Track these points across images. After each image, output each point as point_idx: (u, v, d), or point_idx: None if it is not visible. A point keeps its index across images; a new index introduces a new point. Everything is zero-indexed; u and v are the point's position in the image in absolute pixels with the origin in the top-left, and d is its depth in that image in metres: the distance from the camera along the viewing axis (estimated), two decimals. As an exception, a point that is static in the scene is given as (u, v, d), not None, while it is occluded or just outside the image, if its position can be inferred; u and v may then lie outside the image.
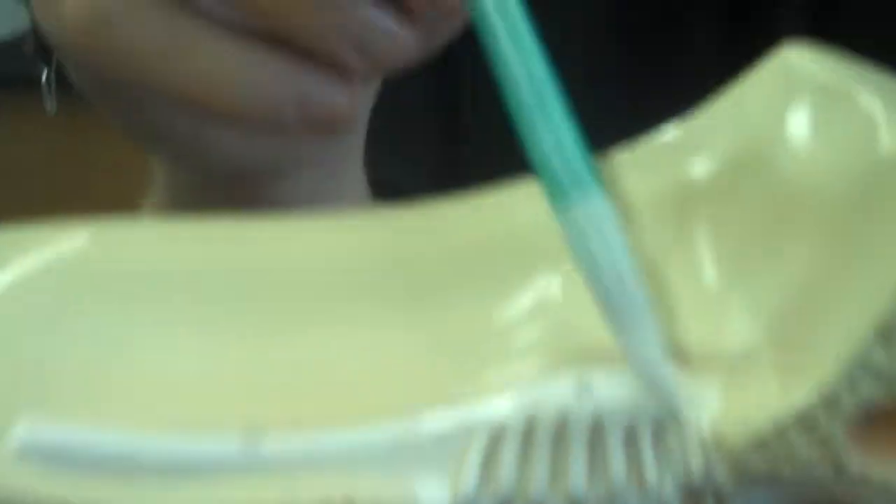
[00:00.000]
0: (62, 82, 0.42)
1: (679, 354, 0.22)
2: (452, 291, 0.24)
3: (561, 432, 0.21)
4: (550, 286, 0.24)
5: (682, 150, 0.26)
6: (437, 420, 0.22)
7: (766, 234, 0.24)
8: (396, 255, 0.25)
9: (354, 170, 0.38)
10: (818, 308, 0.22)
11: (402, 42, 0.27)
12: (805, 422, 0.21)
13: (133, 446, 0.21)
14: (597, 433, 0.22)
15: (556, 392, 0.22)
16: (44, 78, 0.48)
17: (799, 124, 0.24)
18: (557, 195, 0.22)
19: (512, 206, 0.26)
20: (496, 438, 0.21)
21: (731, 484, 0.21)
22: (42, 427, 0.21)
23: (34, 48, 0.45)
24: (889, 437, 0.22)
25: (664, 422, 0.21)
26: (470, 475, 0.21)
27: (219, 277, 0.24)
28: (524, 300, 0.24)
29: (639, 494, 0.22)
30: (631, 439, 0.22)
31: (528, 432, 0.21)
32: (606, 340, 0.22)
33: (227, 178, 0.33)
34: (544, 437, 0.21)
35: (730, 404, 0.22)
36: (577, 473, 0.21)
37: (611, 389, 0.22)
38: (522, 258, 0.25)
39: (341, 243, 0.25)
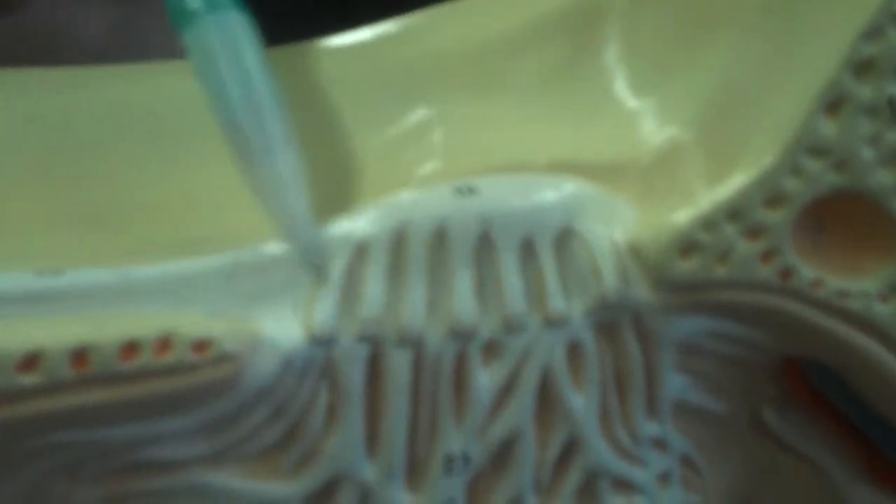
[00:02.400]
0: None
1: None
2: (320, 123, 0.20)
3: (439, 246, 0.17)
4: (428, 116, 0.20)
5: None
6: (272, 246, 0.17)
7: (680, 39, 0.20)
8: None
9: None
10: (748, 101, 0.18)
11: None
12: (740, 210, 0.17)
13: None
14: (485, 248, 0.17)
15: (431, 200, 0.17)
16: None
17: None
18: (180, 12, 0.18)
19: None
20: (357, 258, 0.17)
21: (654, 304, 0.18)
22: None
23: None
24: (847, 253, 0.18)
25: (569, 234, 0.18)
26: (326, 305, 0.17)
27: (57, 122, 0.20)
28: (398, 130, 0.20)
29: (541, 323, 0.18)
30: (528, 256, 0.18)
31: (398, 247, 0.17)
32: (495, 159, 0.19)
33: None
34: (418, 251, 0.17)
35: (650, 212, 0.18)
36: (463, 297, 0.17)
37: (500, 194, 0.17)
38: (402, 89, 0.21)
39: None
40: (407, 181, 0.18)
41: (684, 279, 0.17)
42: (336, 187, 0.18)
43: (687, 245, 0.17)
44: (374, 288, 0.17)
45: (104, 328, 0.16)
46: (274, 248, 0.17)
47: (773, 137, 0.17)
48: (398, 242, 0.17)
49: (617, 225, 0.18)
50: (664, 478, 0.19)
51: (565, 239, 0.17)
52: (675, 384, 0.18)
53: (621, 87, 0.20)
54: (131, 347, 0.16)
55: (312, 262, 0.17)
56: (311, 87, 0.20)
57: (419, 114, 0.19)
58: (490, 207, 0.17)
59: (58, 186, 0.18)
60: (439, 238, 0.17)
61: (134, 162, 0.18)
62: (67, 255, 0.17)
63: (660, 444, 0.19)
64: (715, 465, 0.20)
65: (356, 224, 0.17)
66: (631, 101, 0.19)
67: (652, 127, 0.19)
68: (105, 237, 0.17)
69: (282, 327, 0.17)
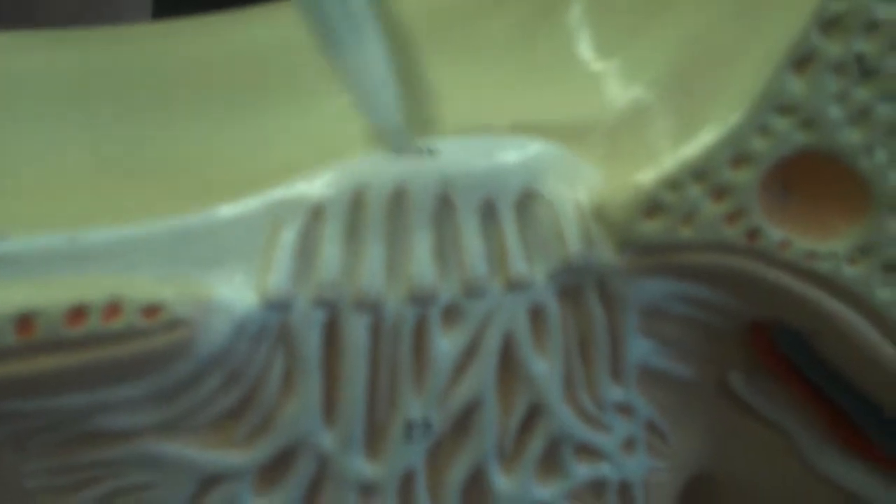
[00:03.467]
0: None
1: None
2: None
3: (398, 207, 0.17)
4: None
5: None
6: (235, 206, 0.16)
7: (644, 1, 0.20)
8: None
9: None
10: (714, 61, 0.18)
11: None
12: (705, 170, 0.17)
13: None
14: (445, 210, 0.17)
15: (389, 161, 0.17)
16: None
17: None
18: None
19: None
20: (313, 221, 0.16)
21: (619, 266, 0.17)
22: None
23: None
24: (815, 213, 0.18)
25: (532, 195, 0.17)
26: (281, 267, 0.16)
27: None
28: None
29: (503, 287, 0.18)
30: (489, 218, 0.17)
31: (355, 209, 0.16)
32: None
33: None
34: (376, 213, 0.16)
35: (615, 173, 0.18)
36: (423, 260, 0.17)
37: (461, 154, 0.17)
38: None
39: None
40: (367, 144, 0.17)
41: (649, 240, 0.17)
42: (297, 151, 0.18)
43: (651, 206, 0.17)
44: (330, 251, 0.16)
45: (50, 292, 0.15)
46: (225, 210, 0.16)
47: (740, 96, 0.17)
48: (355, 204, 0.16)
49: (581, 186, 0.17)
50: (629, 444, 0.19)
51: (528, 201, 0.17)
52: (640, 348, 0.18)
53: (585, 49, 0.19)
54: (78, 312, 0.15)
55: (399, 147, 0.17)
56: (269, 51, 0.19)
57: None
58: (450, 168, 0.17)
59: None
60: (398, 199, 0.17)
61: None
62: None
63: (624, 409, 0.18)
64: (680, 432, 0.19)
65: (312, 186, 0.16)
66: (595, 63, 0.19)
67: (617, 88, 0.19)
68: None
69: (235, 291, 0.16)
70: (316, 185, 0.16)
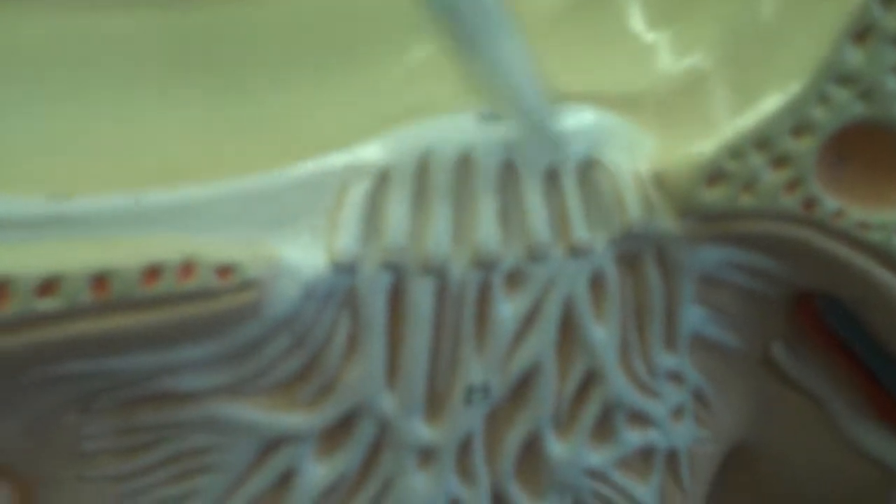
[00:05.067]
0: None
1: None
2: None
3: (463, 173, 0.17)
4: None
5: None
6: (301, 169, 0.16)
7: None
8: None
9: None
10: (771, 30, 0.18)
11: None
12: (767, 139, 0.17)
13: None
14: (509, 176, 0.17)
15: (454, 126, 0.17)
16: None
17: None
18: None
19: None
20: (380, 185, 0.17)
21: (678, 234, 0.18)
22: None
23: None
24: (868, 184, 0.18)
25: (593, 163, 0.17)
26: (349, 230, 0.16)
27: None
28: (412, 62, 0.20)
29: (565, 253, 0.18)
30: (552, 185, 0.18)
31: (422, 174, 0.17)
32: None
33: None
34: (442, 178, 0.17)
35: (670, 142, 0.18)
36: (488, 225, 0.17)
37: (522, 121, 0.17)
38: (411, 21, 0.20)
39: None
40: (429, 111, 0.17)
41: (710, 208, 0.17)
42: (359, 119, 0.18)
43: (714, 174, 0.17)
44: (396, 215, 0.16)
45: (125, 252, 0.15)
46: (293, 172, 0.16)
47: (798, 66, 0.17)
48: (422, 169, 0.17)
49: (640, 155, 0.17)
50: (678, 412, 0.19)
51: (589, 168, 0.17)
52: (693, 317, 0.18)
53: (637, 22, 0.19)
54: (153, 272, 0.15)
55: (548, 140, 0.17)
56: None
57: (430, 47, 0.19)
58: (514, 135, 0.17)
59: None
60: (464, 165, 0.17)
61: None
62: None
63: (675, 377, 0.19)
64: (723, 401, 0.20)
65: (379, 149, 0.17)
66: (647, 34, 0.19)
67: (670, 58, 0.19)
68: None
69: (303, 254, 0.16)
70: (383, 149, 0.17)
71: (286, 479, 0.17)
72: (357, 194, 0.17)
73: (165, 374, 0.16)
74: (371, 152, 0.17)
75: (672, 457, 0.19)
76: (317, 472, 0.17)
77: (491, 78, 0.16)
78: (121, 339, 0.16)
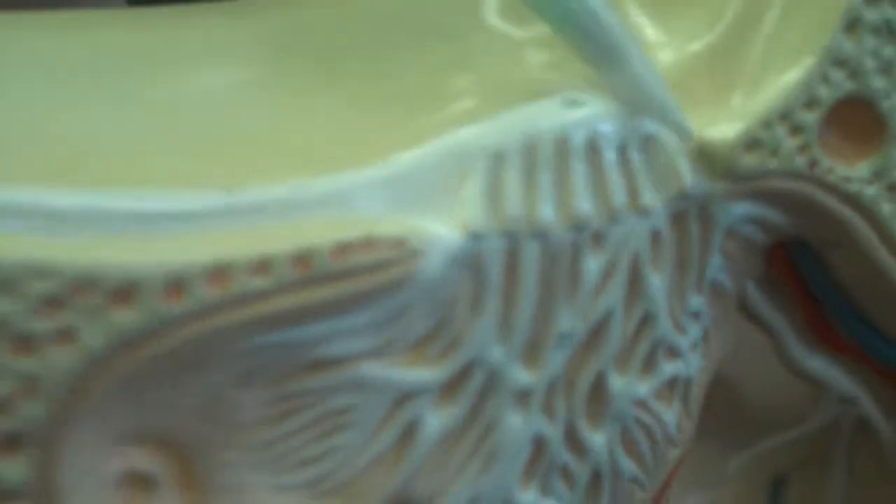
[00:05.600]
0: None
1: None
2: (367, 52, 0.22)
3: (559, 151, 0.20)
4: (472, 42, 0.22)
5: None
6: (431, 153, 0.19)
7: None
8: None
9: None
10: (768, 21, 0.22)
11: None
12: (787, 112, 0.21)
13: (107, 201, 0.17)
14: (593, 153, 0.20)
15: (547, 111, 0.20)
16: None
17: None
18: None
19: None
20: (495, 163, 0.19)
21: (718, 193, 0.21)
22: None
23: None
24: (845, 146, 0.22)
25: (651, 138, 0.21)
26: (475, 204, 0.19)
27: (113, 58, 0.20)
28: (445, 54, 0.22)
29: (635, 215, 0.21)
30: (623, 158, 0.21)
31: (527, 153, 0.19)
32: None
33: None
34: (545, 156, 0.19)
35: (699, 118, 0.21)
36: (581, 195, 0.20)
37: (598, 106, 0.20)
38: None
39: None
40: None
41: (745, 171, 0.21)
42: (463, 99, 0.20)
43: (750, 142, 0.21)
44: (511, 189, 0.19)
45: (318, 232, 0.17)
46: (421, 157, 0.19)
47: (800, 52, 0.21)
48: (527, 148, 0.19)
49: (684, 122, 0.21)
50: (695, 346, 0.23)
51: (649, 141, 0.20)
52: (714, 264, 0.22)
53: (637, 13, 0.23)
54: (342, 249, 0.17)
55: (681, 135, 0.20)
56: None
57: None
58: (597, 118, 0.20)
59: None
60: (561, 144, 0.19)
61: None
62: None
63: (696, 315, 0.22)
64: (718, 336, 0.24)
65: (491, 133, 0.19)
66: (648, 28, 0.23)
67: (671, 47, 0.22)
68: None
69: (443, 226, 0.18)
70: (494, 131, 0.19)
71: (410, 430, 0.19)
72: (477, 173, 0.19)
73: (324, 342, 0.18)
74: (485, 135, 0.19)
75: (688, 385, 0.23)
76: (435, 422, 0.20)
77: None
78: (306, 312, 0.17)
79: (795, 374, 0.25)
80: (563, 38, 0.20)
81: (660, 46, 0.22)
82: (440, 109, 0.20)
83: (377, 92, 0.20)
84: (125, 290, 0.16)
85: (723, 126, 0.21)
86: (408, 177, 0.18)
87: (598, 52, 0.20)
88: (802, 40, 0.21)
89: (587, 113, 0.20)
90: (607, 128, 0.20)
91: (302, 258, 0.17)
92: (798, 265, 0.24)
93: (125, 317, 0.16)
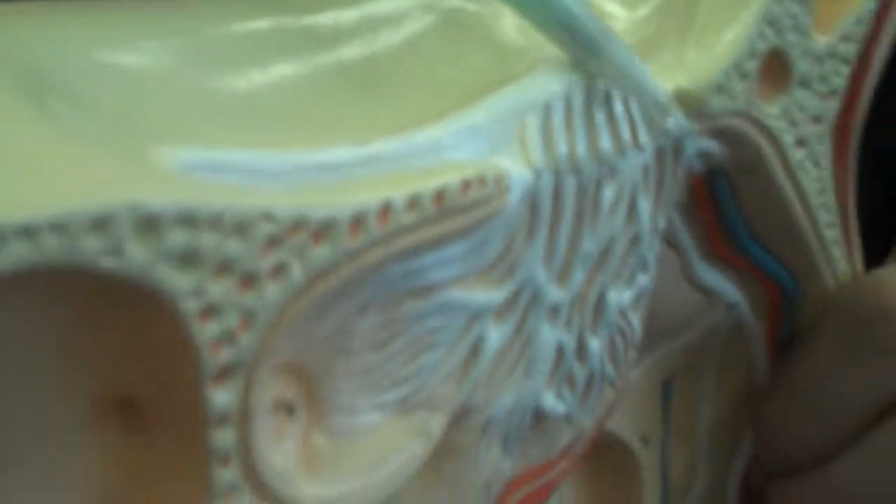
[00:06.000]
0: None
1: None
2: None
3: (588, 105, 0.23)
4: None
5: None
6: (492, 106, 0.22)
7: None
8: None
9: None
10: None
11: None
12: (739, 62, 0.26)
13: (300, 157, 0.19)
14: (608, 105, 0.24)
15: (569, 72, 0.23)
16: None
17: None
18: None
19: None
20: (546, 112, 0.22)
21: (689, 130, 0.25)
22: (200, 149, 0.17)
23: None
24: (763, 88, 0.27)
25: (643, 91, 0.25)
26: (535, 147, 0.22)
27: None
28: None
29: (635, 152, 0.24)
30: (626, 106, 0.24)
31: (569, 106, 0.23)
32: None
33: None
34: (578, 106, 0.23)
35: (664, 71, 0.25)
36: (603, 136, 0.23)
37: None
38: None
39: None
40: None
41: (714, 111, 0.25)
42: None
43: (717, 87, 0.25)
44: (558, 133, 0.22)
45: (449, 173, 0.20)
46: (492, 109, 0.22)
47: (737, 11, 0.26)
48: (568, 102, 0.23)
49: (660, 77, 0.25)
50: (655, 260, 0.27)
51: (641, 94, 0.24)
52: (672, 189, 0.26)
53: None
54: (465, 185, 0.20)
55: (660, 114, 0.24)
56: None
57: None
58: (613, 77, 0.23)
59: None
60: (588, 100, 0.23)
61: None
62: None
63: (657, 232, 0.26)
64: (654, 253, 0.28)
65: (538, 89, 0.22)
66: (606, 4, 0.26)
67: (628, 17, 0.26)
68: None
69: (516, 165, 0.21)
70: (542, 88, 0.22)
71: (477, 346, 0.22)
72: (532, 121, 0.22)
73: (428, 271, 0.21)
74: (535, 90, 0.22)
75: (646, 296, 0.27)
76: (494, 338, 0.23)
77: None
78: (432, 243, 0.20)
79: (693, 285, 0.30)
80: (547, 36, 0.23)
81: (612, 15, 0.26)
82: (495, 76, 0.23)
83: (446, 77, 0.23)
84: (323, 229, 0.18)
85: (691, 75, 0.25)
86: (485, 126, 0.21)
87: (583, 50, 0.23)
88: (735, 6, 0.26)
89: (602, 75, 0.24)
90: (619, 84, 0.24)
91: (440, 195, 0.19)
92: (713, 192, 0.29)
93: (321, 251, 0.18)
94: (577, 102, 0.23)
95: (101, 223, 0.15)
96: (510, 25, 0.24)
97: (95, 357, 0.18)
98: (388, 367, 0.21)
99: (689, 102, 0.25)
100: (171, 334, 0.17)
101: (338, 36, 0.22)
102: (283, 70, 0.20)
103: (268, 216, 0.17)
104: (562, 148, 0.22)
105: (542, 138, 0.22)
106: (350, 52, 0.22)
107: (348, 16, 0.22)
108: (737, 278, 0.30)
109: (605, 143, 0.23)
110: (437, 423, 0.22)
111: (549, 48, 0.23)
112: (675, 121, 0.25)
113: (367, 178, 0.19)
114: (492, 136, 0.21)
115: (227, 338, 0.17)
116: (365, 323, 0.21)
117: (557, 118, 0.23)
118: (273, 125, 0.19)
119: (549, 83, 0.23)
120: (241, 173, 0.18)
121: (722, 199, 0.29)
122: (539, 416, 0.25)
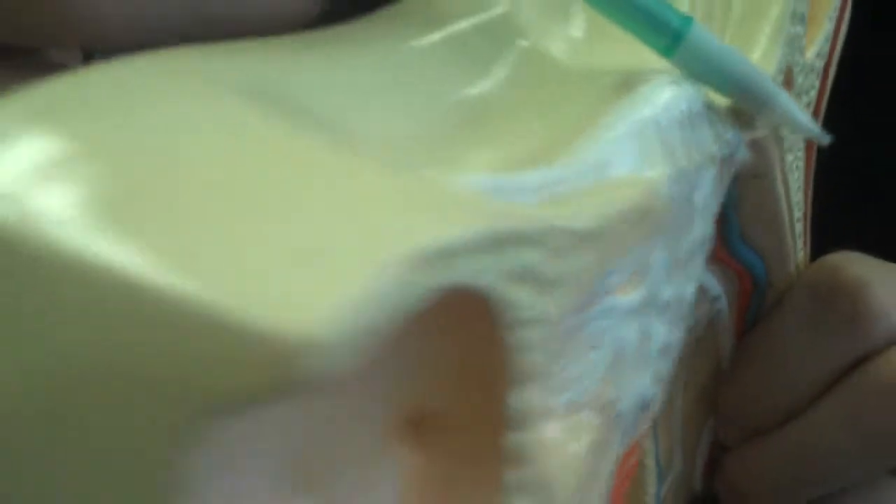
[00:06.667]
0: None
1: None
2: None
3: (690, 112, 0.26)
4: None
5: None
6: (618, 124, 0.24)
7: None
8: None
9: None
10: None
11: None
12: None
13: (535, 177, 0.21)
14: (704, 110, 0.27)
15: (668, 87, 0.26)
16: None
17: None
18: (662, 35, 0.26)
19: None
20: (664, 128, 0.25)
21: (739, 140, 0.28)
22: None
23: None
24: None
25: (713, 104, 0.28)
26: (661, 161, 0.25)
27: None
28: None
29: (713, 167, 0.27)
30: (710, 114, 0.27)
31: (681, 119, 0.25)
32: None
33: None
34: (683, 118, 0.26)
35: None
36: (701, 148, 0.26)
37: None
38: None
39: None
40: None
41: (758, 123, 0.28)
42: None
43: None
44: (676, 144, 0.25)
45: (623, 188, 0.22)
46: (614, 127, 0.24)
47: (760, 35, 0.29)
48: (678, 113, 0.25)
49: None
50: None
51: (712, 106, 0.27)
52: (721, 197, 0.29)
53: None
54: (644, 196, 0.22)
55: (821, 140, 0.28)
56: None
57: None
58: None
59: None
60: (691, 107, 0.26)
61: None
62: None
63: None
64: None
65: (658, 105, 0.25)
66: None
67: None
68: None
69: (658, 176, 0.24)
70: (661, 104, 0.25)
71: (622, 345, 0.24)
72: (655, 136, 0.25)
73: (607, 277, 0.23)
74: (652, 108, 0.25)
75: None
76: (632, 333, 0.25)
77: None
78: (625, 250, 0.22)
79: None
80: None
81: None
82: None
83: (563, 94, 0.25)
84: (588, 237, 0.20)
85: None
86: (626, 142, 0.24)
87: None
88: (766, 30, 0.29)
89: (688, 86, 0.26)
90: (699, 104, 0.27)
91: (637, 209, 0.22)
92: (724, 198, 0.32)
93: (584, 258, 0.20)
94: (684, 116, 0.26)
95: (494, 244, 0.17)
96: (559, 50, 0.27)
97: (396, 378, 0.19)
98: (562, 372, 0.23)
99: (742, 116, 0.28)
100: (474, 345, 0.19)
101: None
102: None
103: (557, 229, 0.19)
104: (680, 158, 0.25)
105: (664, 149, 0.25)
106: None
107: None
108: (720, 273, 0.34)
109: (700, 153, 0.26)
110: (593, 420, 0.24)
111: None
112: (734, 134, 0.28)
113: (563, 194, 0.21)
114: (634, 152, 0.24)
115: (532, 344, 0.19)
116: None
117: (674, 132, 0.25)
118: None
119: (657, 99, 0.25)
120: (512, 193, 0.19)
121: (727, 205, 0.32)
122: (643, 407, 0.27)
